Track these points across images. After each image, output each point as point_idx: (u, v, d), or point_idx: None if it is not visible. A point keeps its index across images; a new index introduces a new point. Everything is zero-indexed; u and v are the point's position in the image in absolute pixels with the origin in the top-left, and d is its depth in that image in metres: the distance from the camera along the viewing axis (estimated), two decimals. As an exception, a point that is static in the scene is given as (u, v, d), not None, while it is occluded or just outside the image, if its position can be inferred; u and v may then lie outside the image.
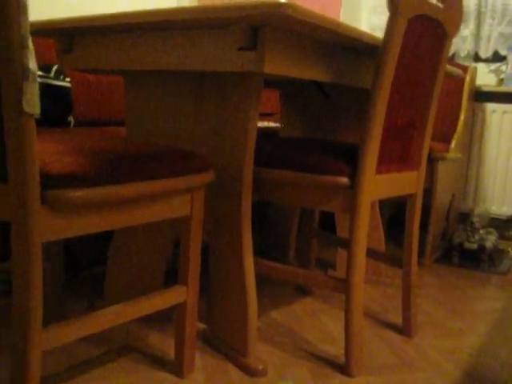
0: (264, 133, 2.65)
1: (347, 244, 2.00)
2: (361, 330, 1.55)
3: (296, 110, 2.29)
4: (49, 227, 1.05)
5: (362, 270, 1.52)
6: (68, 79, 2.24)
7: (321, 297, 2.13)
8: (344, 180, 1.48)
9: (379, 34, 3.21)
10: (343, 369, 1.57)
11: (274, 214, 2.37)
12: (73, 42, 1.62)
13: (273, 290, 2.17)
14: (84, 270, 2.20)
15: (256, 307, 1.52)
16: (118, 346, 1.62)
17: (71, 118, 2.27)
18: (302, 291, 2.16)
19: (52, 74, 2.10)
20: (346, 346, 1.55)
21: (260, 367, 1.51)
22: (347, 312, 1.53)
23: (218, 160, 1.55)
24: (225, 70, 1.33)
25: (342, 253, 2.31)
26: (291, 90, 2.29)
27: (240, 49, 1.31)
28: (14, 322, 1.06)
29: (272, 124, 2.99)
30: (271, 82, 2.18)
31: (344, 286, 1.52)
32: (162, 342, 1.66)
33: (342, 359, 1.63)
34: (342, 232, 2.27)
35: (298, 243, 2.34)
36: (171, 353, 1.59)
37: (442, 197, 2.74)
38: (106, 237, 2.30)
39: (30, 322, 1.05)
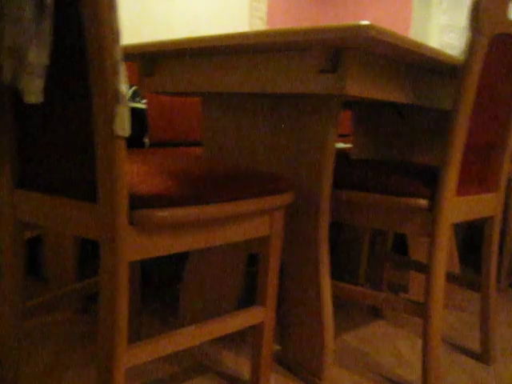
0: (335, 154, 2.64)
1: (421, 267, 1.97)
2: (439, 356, 1.51)
3: (368, 131, 2.28)
4: (136, 246, 1.07)
5: (441, 294, 1.49)
6: (144, 101, 2.30)
7: (393, 320, 2.10)
8: (423, 202, 1.46)
9: (450, 52, 3.17)
10: (420, 395, 1.54)
11: (345, 235, 2.36)
12: (155, 65, 1.67)
13: (344, 313, 2.14)
14: (156, 288, 2.24)
15: (333, 330, 1.51)
16: (191, 364, 1.64)
17: (147, 139, 2.33)
18: (375, 314, 2.13)
19: (129, 96, 2.16)
20: (423, 372, 1.51)
21: (335, 391, 1.49)
22: (425, 337, 1.49)
23: (295, 181, 1.55)
24: (305, 92, 1.34)
25: (414, 276, 2.27)
26: (364, 111, 2.28)
27: (321, 71, 1.31)
28: (100, 338, 1.09)
29: (342, 145, 2.98)
30: (344, 103, 2.17)
31: (423, 309, 1.49)
32: (236, 362, 1.66)
33: (419, 385, 1.60)
34: (414, 255, 2.23)
35: (369, 265, 2.31)
36: (245, 373, 1.60)
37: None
38: (177, 255, 2.34)
39: (116, 339, 1.07)
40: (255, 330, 1.44)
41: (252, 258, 2.22)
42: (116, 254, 1.04)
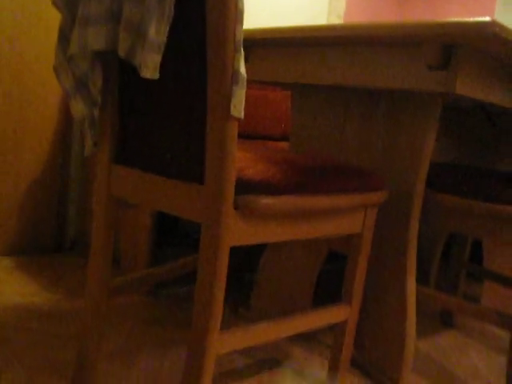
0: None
1: (498, 277, 1.91)
2: (523, 372, 1.45)
3: (451, 134, 2.21)
4: (238, 232, 1.05)
5: (531, 309, 1.43)
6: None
7: (465, 330, 2.03)
8: (521, 211, 1.40)
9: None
10: (500, 411, 1.48)
11: (418, 240, 2.30)
12: (249, 53, 1.65)
13: (416, 320, 2.09)
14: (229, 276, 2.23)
15: (414, 334, 1.46)
16: (265, 358, 1.61)
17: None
18: (445, 323, 2.07)
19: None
20: (506, 387, 1.46)
21: (413, 398, 1.45)
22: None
23: (387, 180, 1.51)
24: (413, 89, 1.30)
25: (489, 286, 2.20)
26: (447, 112, 2.22)
27: (430, 68, 1.27)
28: (194, 322, 1.07)
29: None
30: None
31: (511, 322, 1.43)
32: (308, 359, 1.63)
33: (497, 400, 1.54)
34: (489, 264, 2.16)
35: (443, 272, 2.25)
36: (317, 370, 1.56)
37: None
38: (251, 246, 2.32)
39: (210, 324, 1.05)
40: (337, 329, 1.41)
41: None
42: (218, 238, 1.02)
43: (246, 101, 2.56)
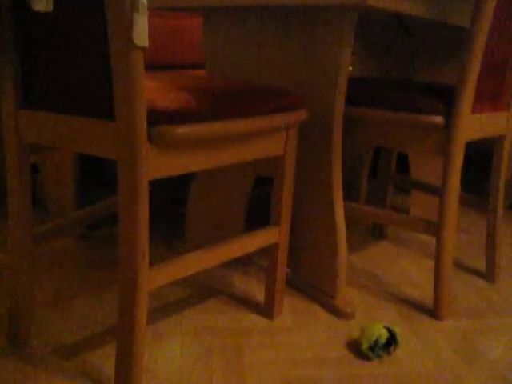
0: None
1: (425, 187, 1.96)
2: (450, 274, 1.51)
3: (370, 51, 2.21)
4: (155, 165, 1.03)
5: (455, 213, 1.47)
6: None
7: (395, 241, 2.10)
8: (439, 119, 1.42)
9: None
10: (431, 312, 1.55)
11: (344, 156, 2.32)
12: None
13: (348, 234, 2.14)
14: (158, 212, 2.21)
15: (346, 248, 1.49)
16: (202, 288, 1.63)
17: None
18: (377, 235, 2.13)
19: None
20: (435, 289, 1.52)
21: (349, 309, 1.49)
22: (438, 255, 1.49)
23: (306, 98, 1.50)
24: (323, 3, 1.27)
25: (416, 195, 2.26)
26: (365, 29, 2.21)
27: (339, -21, 1.24)
28: (121, 261, 1.05)
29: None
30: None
31: (437, 228, 1.48)
32: (246, 285, 1.65)
33: (429, 302, 1.61)
34: (416, 175, 2.21)
35: (372, 186, 2.30)
36: (256, 295, 1.59)
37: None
38: (179, 178, 2.30)
39: (138, 261, 1.04)
40: (269, 251, 1.42)
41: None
42: (135, 172, 0.99)
43: (162, 31, 2.48)
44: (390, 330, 1.32)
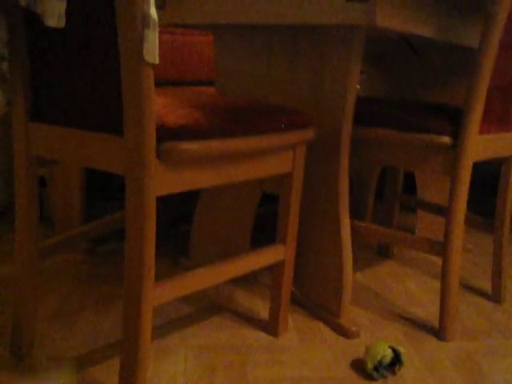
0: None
1: (432, 207, 1.96)
2: (456, 294, 1.51)
3: (378, 70, 2.22)
4: (163, 181, 1.03)
5: (461, 233, 1.47)
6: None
7: (401, 260, 2.09)
8: (447, 139, 1.42)
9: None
10: (437, 332, 1.54)
11: (352, 177, 2.32)
12: (166, -4, 1.59)
13: (354, 253, 2.14)
14: (163, 228, 2.21)
15: (351, 267, 1.49)
16: (207, 305, 1.62)
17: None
18: (382, 254, 2.13)
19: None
20: (440, 310, 1.51)
21: (353, 328, 1.48)
22: (444, 276, 1.49)
23: (315, 117, 1.50)
24: (332, 23, 1.28)
25: (422, 217, 2.26)
26: (373, 49, 2.22)
27: (348, 0, 1.25)
28: (127, 277, 1.05)
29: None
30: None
31: (443, 248, 1.47)
32: (251, 302, 1.65)
33: (434, 323, 1.60)
34: (422, 195, 2.21)
35: (378, 206, 2.30)
36: (260, 312, 1.58)
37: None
38: (185, 195, 2.30)
39: (144, 277, 1.04)
40: (275, 269, 1.42)
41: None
42: (143, 189, 1.00)
43: (172, 47, 2.50)
44: (394, 350, 1.32)
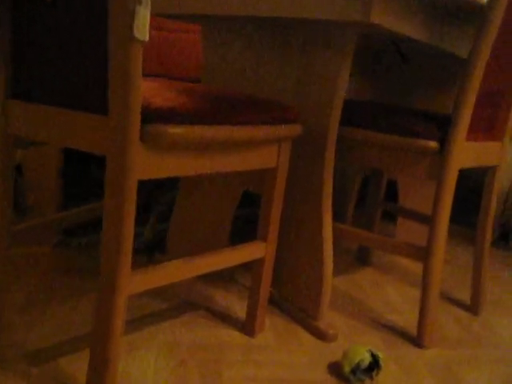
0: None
1: (413, 214, 1.94)
2: (436, 302, 1.48)
3: (364, 75, 2.21)
4: (145, 164, 0.99)
5: (444, 239, 1.45)
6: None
7: (380, 267, 2.07)
8: (434, 144, 1.41)
9: None
10: (414, 339, 1.51)
11: (334, 180, 2.30)
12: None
13: (333, 258, 2.11)
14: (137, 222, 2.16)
15: (331, 270, 1.46)
16: (181, 301, 1.58)
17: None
18: (362, 261, 2.10)
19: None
20: (419, 316, 1.49)
21: (331, 331, 1.45)
22: (425, 282, 1.46)
23: (302, 114, 1.48)
24: (326, 18, 1.25)
25: (402, 222, 2.24)
26: (362, 53, 2.21)
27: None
28: (103, 263, 1.01)
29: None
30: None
31: (425, 254, 1.45)
32: (227, 301, 1.61)
33: (412, 330, 1.57)
34: (403, 202, 2.20)
35: (358, 213, 2.28)
36: (236, 311, 1.55)
37: (503, 176, 2.64)
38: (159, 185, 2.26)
39: (121, 264, 1.00)
40: (254, 267, 1.39)
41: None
42: (125, 171, 0.96)
43: (158, 43, 2.46)
44: (373, 355, 1.29)
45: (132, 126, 0.94)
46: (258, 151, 1.22)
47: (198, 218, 1.74)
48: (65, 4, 0.98)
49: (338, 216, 2.25)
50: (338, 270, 1.99)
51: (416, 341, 1.50)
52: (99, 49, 0.95)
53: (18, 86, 1.12)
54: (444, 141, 1.41)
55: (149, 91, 1.03)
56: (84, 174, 2.38)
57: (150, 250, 1.86)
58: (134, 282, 1.04)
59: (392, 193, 2.39)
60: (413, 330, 1.58)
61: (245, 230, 2.20)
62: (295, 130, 1.28)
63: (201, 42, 1.69)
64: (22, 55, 1.10)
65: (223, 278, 1.77)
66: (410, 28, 1.37)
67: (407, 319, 1.65)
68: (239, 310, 1.56)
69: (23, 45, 1.09)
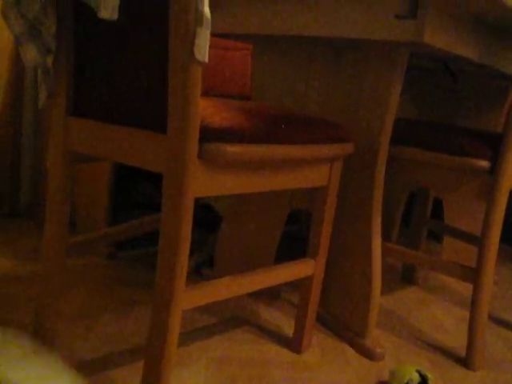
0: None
1: (457, 233, 1.92)
2: (485, 323, 1.47)
3: (410, 93, 2.21)
4: (203, 182, 1.01)
5: (493, 261, 1.44)
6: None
7: (426, 287, 2.05)
8: (485, 163, 1.40)
9: None
10: (463, 361, 1.50)
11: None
12: (210, 3, 1.58)
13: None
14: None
15: (380, 288, 1.46)
16: (228, 317, 1.59)
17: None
18: (407, 280, 2.09)
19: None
20: (468, 338, 1.47)
21: (378, 350, 1.45)
22: (474, 303, 1.45)
23: (352, 133, 1.48)
24: (379, 38, 1.26)
25: (449, 242, 2.22)
26: (409, 73, 2.21)
27: (396, 16, 1.24)
28: (159, 278, 1.03)
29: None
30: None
31: (475, 275, 1.44)
32: (273, 317, 1.62)
33: (459, 351, 1.56)
34: (449, 221, 2.18)
35: (403, 233, 2.27)
36: (284, 328, 1.55)
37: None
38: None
39: (176, 279, 1.02)
40: (303, 284, 1.40)
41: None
42: (182, 188, 0.98)
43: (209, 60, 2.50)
44: (422, 375, 1.28)
45: (191, 144, 0.96)
46: (311, 169, 1.23)
47: (246, 234, 1.75)
48: (126, 24, 1.02)
49: (382, 234, 2.24)
50: (383, 289, 1.98)
51: (464, 362, 1.48)
52: (159, 68, 0.98)
53: (78, 104, 1.16)
54: (495, 160, 1.40)
55: (206, 110, 1.06)
56: (131, 189, 2.43)
57: (198, 265, 1.88)
58: (188, 297, 1.06)
59: (436, 211, 2.37)
60: (460, 350, 1.56)
61: (289, 246, 2.21)
62: (348, 148, 1.29)
63: (251, 59, 1.71)
64: (83, 73, 1.14)
65: (270, 294, 1.78)
66: (461, 47, 1.37)
67: (454, 339, 1.63)
68: (285, 326, 1.57)
69: (84, 63, 1.13)
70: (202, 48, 0.93)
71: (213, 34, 1.66)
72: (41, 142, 2.25)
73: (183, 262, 1.02)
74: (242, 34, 1.56)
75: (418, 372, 1.28)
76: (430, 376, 1.27)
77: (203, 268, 1.86)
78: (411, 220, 2.05)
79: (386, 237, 2.23)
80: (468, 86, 2.09)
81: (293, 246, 2.12)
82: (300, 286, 1.41)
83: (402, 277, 2.11)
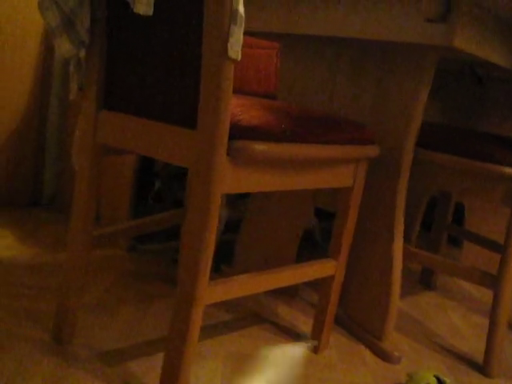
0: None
1: (477, 238, 1.91)
2: (504, 330, 1.46)
3: (435, 95, 2.20)
4: (229, 179, 1.02)
5: (516, 267, 1.43)
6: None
7: (444, 292, 2.05)
8: (510, 170, 1.39)
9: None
10: (480, 367, 1.49)
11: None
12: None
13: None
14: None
15: (399, 292, 1.46)
16: (247, 314, 1.60)
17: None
18: (425, 285, 2.08)
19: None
20: (487, 344, 1.46)
21: (396, 353, 1.45)
22: (494, 310, 1.44)
23: (377, 134, 1.49)
24: (409, 41, 1.26)
25: (468, 247, 2.21)
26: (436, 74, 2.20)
27: (427, 20, 1.24)
28: (182, 272, 1.04)
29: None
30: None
31: (495, 282, 1.43)
32: (291, 316, 1.63)
33: (477, 357, 1.55)
34: (470, 226, 2.17)
35: (423, 238, 2.26)
36: (301, 327, 1.56)
37: None
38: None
39: (200, 274, 1.03)
40: (323, 284, 1.40)
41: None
42: (210, 184, 0.99)
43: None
44: (439, 380, 1.28)
45: (221, 140, 0.97)
46: (336, 170, 1.24)
47: (267, 232, 1.76)
48: (160, 19, 1.03)
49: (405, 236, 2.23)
50: (401, 292, 1.98)
51: (482, 369, 1.48)
52: (192, 65, 0.99)
53: (109, 98, 1.17)
54: (521, 168, 1.39)
55: (234, 107, 1.06)
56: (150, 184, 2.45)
57: (216, 262, 1.89)
58: (211, 293, 1.07)
59: (457, 216, 2.36)
60: (478, 356, 1.56)
61: (308, 245, 2.22)
62: (374, 150, 1.29)
63: (278, 58, 1.72)
64: (115, 67, 1.15)
65: (288, 293, 1.78)
66: (490, 52, 1.37)
67: (472, 346, 1.63)
68: (303, 325, 1.57)
69: (116, 57, 1.14)
70: (236, 46, 0.94)
71: (247, 33, 1.67)
72: (65, 134, 2.27)
73: (208, 257, 1.03)
74: (271, 33, 1.56)
75: (437, 377, 1.28)
76: (448, 381, 1.27)
77: (223, 265, 1.87)
78: (432, 224, 2.05)
79: (405, 240, 2.22)
80: (494, 91, 2.08)
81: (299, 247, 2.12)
82: (320, 285, 1.41)
83: (420, 280, 2.10)
